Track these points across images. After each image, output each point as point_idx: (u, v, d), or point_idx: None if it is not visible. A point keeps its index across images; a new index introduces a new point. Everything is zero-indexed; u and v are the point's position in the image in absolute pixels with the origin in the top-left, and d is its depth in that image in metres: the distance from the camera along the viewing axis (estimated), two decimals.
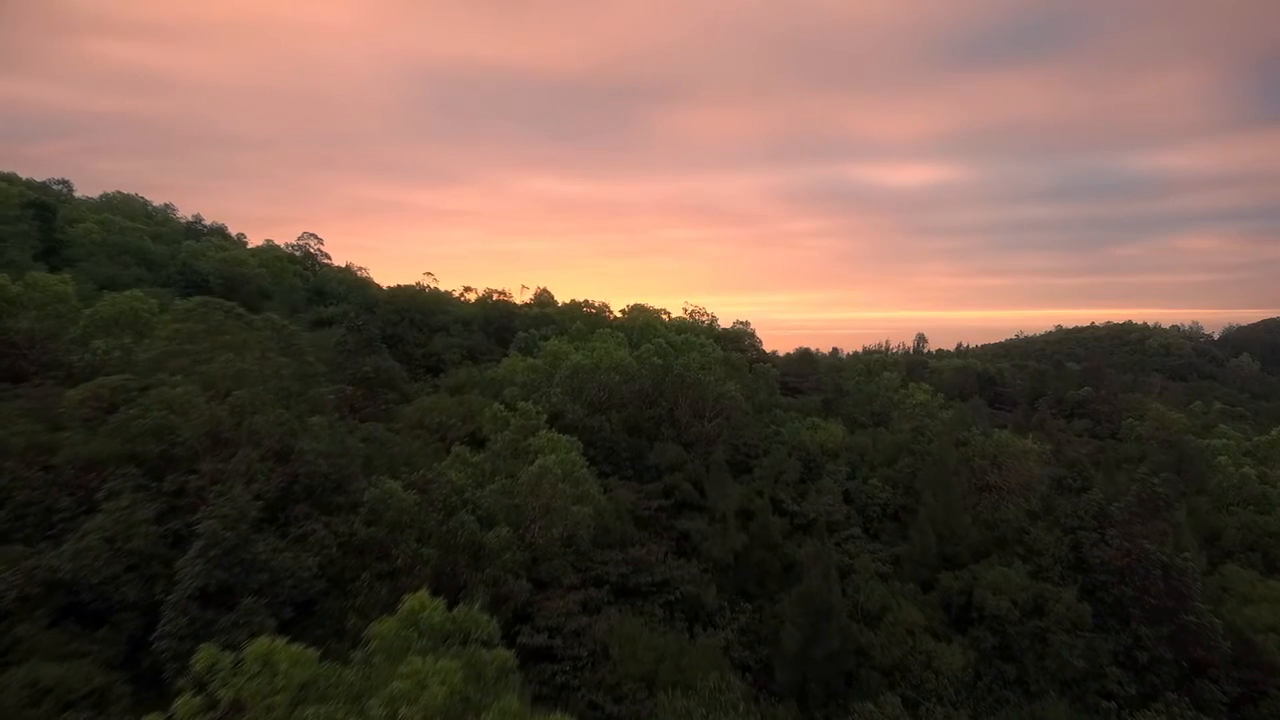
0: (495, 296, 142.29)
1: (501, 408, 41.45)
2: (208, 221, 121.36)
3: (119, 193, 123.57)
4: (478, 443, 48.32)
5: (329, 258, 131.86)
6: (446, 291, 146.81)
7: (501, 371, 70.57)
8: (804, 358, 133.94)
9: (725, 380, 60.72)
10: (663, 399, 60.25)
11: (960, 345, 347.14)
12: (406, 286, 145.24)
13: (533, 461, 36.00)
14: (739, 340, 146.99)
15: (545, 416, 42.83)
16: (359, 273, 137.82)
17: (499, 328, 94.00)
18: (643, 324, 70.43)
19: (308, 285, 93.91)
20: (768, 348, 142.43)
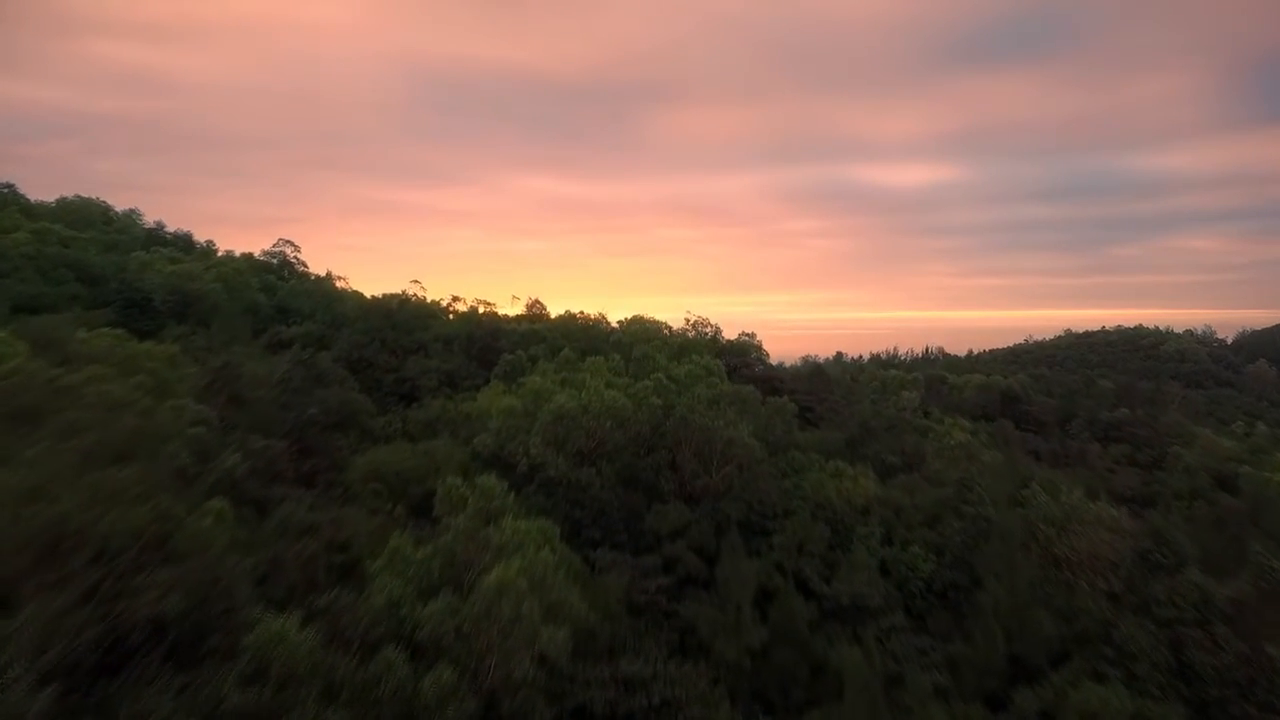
0: (484, 308, 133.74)
1: (459, 482, 32.56)
2: (173, 228, 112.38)
3: (78, 196, 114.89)
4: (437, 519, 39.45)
5: (305, 265, 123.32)
6: (433, 302, 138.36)
7: (479, 405, 61.84)
8: (816, 374, 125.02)
9: (736, 421, 51.88)
10: (663, 444, 51.49)
11: (970, 351, 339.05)
12: (391, 296, 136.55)
13: (490, 570, 27.07)
14: (745, 353, 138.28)
15: (512, 494, 33.83)
16: (338, 282, 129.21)
17: (483, 348, 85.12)
18: (640, 355, 61.50)
19: (272, 301, 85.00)
20: (769, 348, 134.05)
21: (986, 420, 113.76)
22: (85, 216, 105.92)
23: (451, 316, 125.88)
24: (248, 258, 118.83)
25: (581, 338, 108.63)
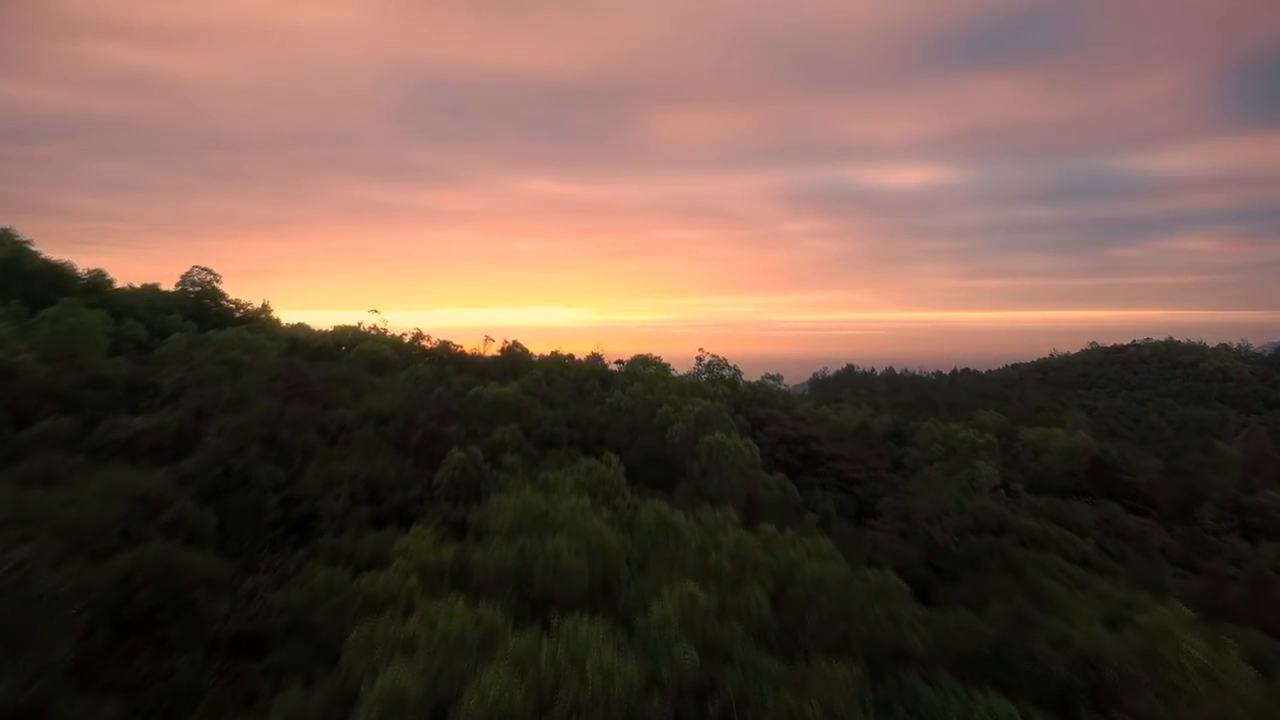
0: (453, 349, 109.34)
1: None
2: (51, 256, 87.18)
3: None
4: None
5: (225, 297, 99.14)
6: (396, 336, 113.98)
7: (385, 580, 37.45)
8: (860, 435, 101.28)
9: (828, 671, 27.89)
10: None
11: (991, 370, 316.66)
12: (343, 330, 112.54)
13: None
14: (770, 400, 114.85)
15: None
16: (272, 318, 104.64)
17: (425, 436, 60.63)
18: (653, 523, 36.93)
19: (130, 372, 60.31)
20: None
21: (1078, 497, 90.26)
22: None
23: (412, 354, 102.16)
24: (150, 290, 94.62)
25: (567, 400, 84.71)
